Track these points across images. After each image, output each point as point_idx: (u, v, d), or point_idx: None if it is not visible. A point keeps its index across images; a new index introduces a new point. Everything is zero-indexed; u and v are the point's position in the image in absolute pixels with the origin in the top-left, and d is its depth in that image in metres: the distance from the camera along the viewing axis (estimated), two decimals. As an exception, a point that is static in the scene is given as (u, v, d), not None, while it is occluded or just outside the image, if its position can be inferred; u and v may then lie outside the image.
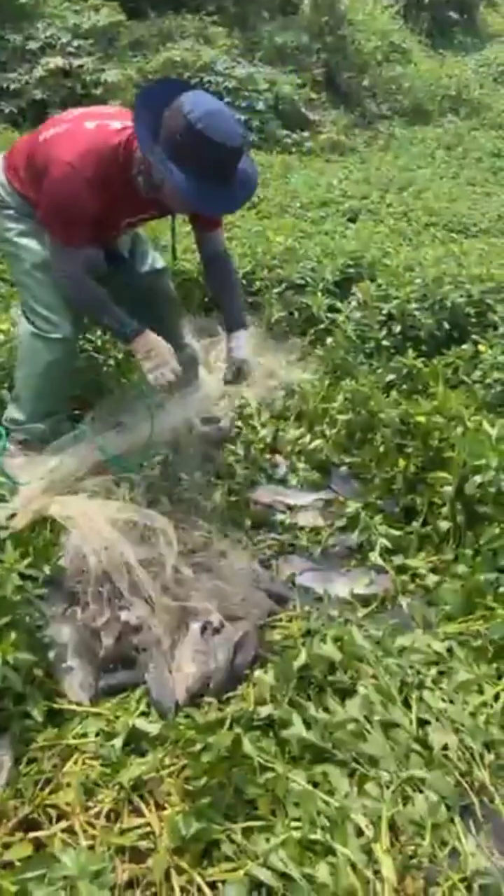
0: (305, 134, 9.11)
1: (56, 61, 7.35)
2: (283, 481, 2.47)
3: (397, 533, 2.18)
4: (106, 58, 7.91)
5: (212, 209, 2.10)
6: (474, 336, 3.09)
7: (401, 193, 6.88)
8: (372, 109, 10.59)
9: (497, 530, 1.96)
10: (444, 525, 2.11)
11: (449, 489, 2.11)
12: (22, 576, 1.67)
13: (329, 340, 2.99)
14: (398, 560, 2.11)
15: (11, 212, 2.21)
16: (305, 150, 8.63)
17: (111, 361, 2.80)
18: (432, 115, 11.33)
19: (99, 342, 2.79)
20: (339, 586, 2.00)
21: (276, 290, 3.37)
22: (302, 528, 2.26)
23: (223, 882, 1.21)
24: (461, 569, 1.99)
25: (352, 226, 5.26)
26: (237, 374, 2.29)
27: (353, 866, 1.22)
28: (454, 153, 9.67)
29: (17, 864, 1.17)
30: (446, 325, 3.16)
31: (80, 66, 7.50)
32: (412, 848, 1.27)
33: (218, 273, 2.40)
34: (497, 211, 6.36)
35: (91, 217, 2.03)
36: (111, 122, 2.04)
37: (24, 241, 2.21)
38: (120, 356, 2.82)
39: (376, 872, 1.23)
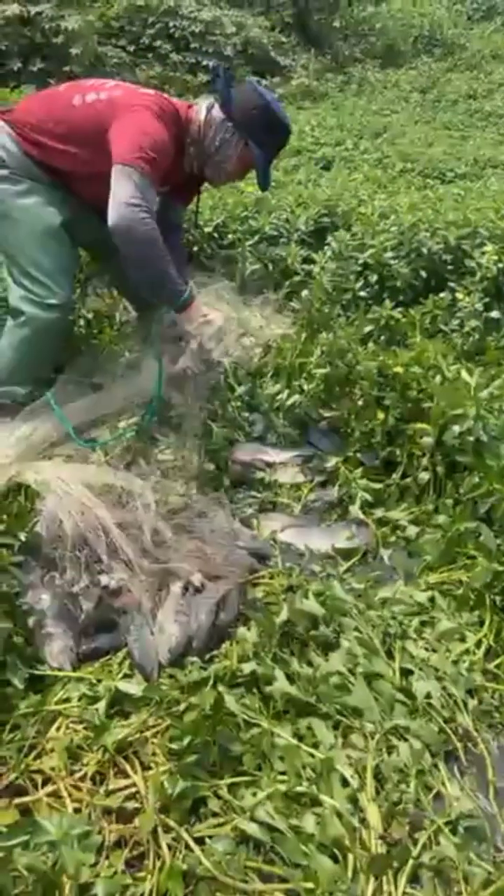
0: (276, 80, 8.85)
1: (13, 8, 7.03)
2: (261, 439, 2.44)
3: (377, 486, 2.17)
4: (65, 4, 7.56)
5: (267, 182, 2.25)
6: (452, 284, 3.05)
7: (375, 139, 6.74)
8: (344, 52, 10.29)
9: (476, 479, 1.95)
10: (424, 476, 2.10)
11: (428, 440, 2.10)
12: (-3, 544, 1.65)
13: (304, 293, 2.93)
14: (379, 513, 2.11)
15: (7, 172, 2.12)
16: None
17: (82, 322, 2.73)
18: (405, 57, 11.03)
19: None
20: (321, 541, 1.99)
21: (248, 243, 3.28)
22: (282, 485, 2.25)
23: (211, 837, 1.21)
24: (442, 519, 1.99)
25: (326, 174, 5.14)
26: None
27: (340, 816, 1.23)
28: (429, 96, 9.47)
29: (4, 830, 1.17)
30: (423, 274, 3.11)
31: (39, 14, 7.18)
32: (397, 795, 1.29)
33: (176, 241, 2.50)
34: (473, 154, 6.25)
35: (167, 159, 2.06)
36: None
37: (23, 203, 2.12)
38: (90, 316, 2.75)
39: (362, 820, 1.24)
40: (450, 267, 3.16)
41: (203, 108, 2.17)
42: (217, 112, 2.15)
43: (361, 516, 2.08)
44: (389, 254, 3.11)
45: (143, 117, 2.02)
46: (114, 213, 1.90)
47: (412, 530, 2.02)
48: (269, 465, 2.31)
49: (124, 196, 1.90)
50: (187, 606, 1.66)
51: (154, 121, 2.02)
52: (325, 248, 3.15)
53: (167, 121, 2.07)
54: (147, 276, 2.04)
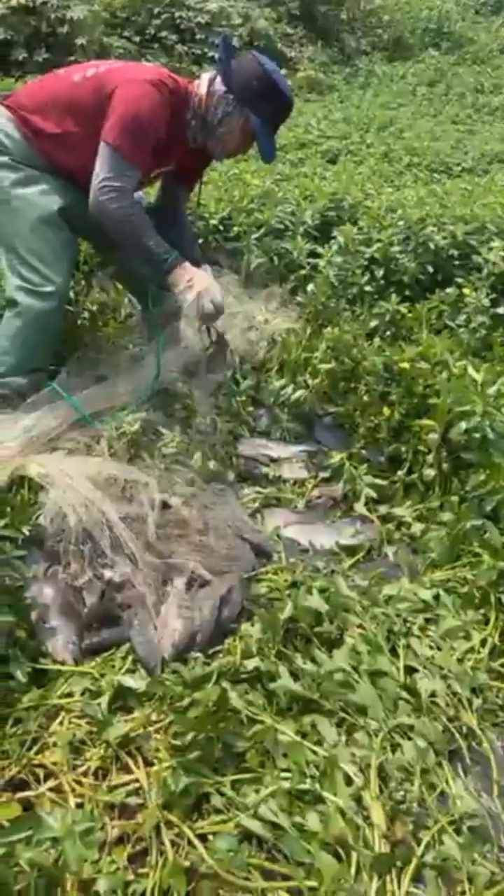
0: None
1: (19, -2, 6.98)
2: (266, 434, 2.43)
3: (382, 482, 2.16)
4: (70, -7, 7.52)
5: (271, 153, 2.19)
6: (458, 279, 3.03)
7: (382, 133, 6.69)
8: (351, 44, 10.22)
9: (482, 477, 1.94)
10: (430, 473, 2.09)
11: (434, 436, 2.08)
12: (0, 537, 1.64)
13: (310, 287, 2.91)
14: (383, 509, 2.10)
15: (6, 159, 2.10)
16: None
17: (85, 314, 2.71)
18: (413, 50, 10.96)
19: (72, 294, 2.69)
20: (325, 537, 1.98)
21: (254, 236, 3.26)
22: (286, 481, 2.24)
23: (214, 834, 1.21)
24: (447, 516, 1.98)
25: (332, 167, 5.11)
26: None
27: (343, 814, 1.22)
28: (436, 90, 9.40)
29: (6, 825, 1.17)
30: (430, 269, 3.08)
31: (45, 3, 7.13)
32: (401, 793, 1.28)
33: (181, 223, 2.51)
34: (480, 149, 6.20)
35: (155, 143, 2.05)
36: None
37: (22, 191, 2.11)
38: (94, 308, 2.73)
39: (366, 818, 1.24)
40: (457, 262, 3.13)
41: (205, 81, 2.15)
42: (218, 84, 2.12)
43: (366, 513, 2.08)
44: (396, 248, 3.08)
45: (139, 92, 2.00)
46: (90, 195, 2.01)
47: (417, 527, 2.01)
48: (274, 460, 2.30)
49: (99, 177, 2.00)
50: (191, 602, 1.65)
51: (150, 96, 2.00)
52: (332, 241, 3.13)
53: (166, 95, 2.04)
54: (130, 252, 2.15)
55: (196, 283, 2.11)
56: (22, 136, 2.10)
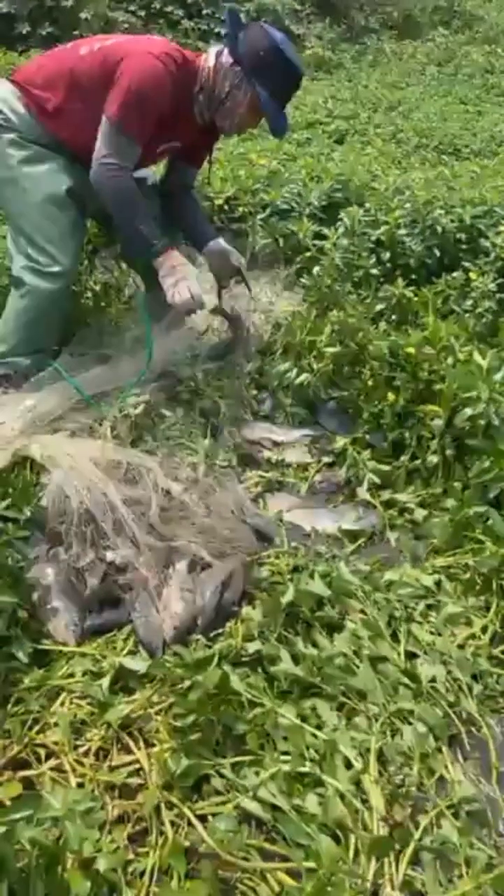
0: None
1: (22, -31, 6.86)
2: (269, 417, 2.42)
3: (385, 468, 2.15)
4: (75, -35, 7.40)
5: (281, 125, 2.15)
6: (465, 263, 2.99)
7: (390, 113, 6.60)
8: (360, 22, 10.05)
9: (486, 463, 1.93)
10: (434, 459, 2.08)
11: (438, 422, 2.07)
12: (2, 518, 1.64)
13: (316, 269, 2.88)
14: (386, 495, 2.09)
15: (14, 136, 2.08)
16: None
17: (88, 294, 2.69)
18: (422, 28, 10.78)
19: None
20: (327, 522, 1.98)
21: (259, 216, 3.22)
22: (289, 465, 2.23)
23: (213, 815, 1.22)
24: (450, 502, 1.97)
25: (339, 147, 5.05)
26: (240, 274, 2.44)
27: (342, 797, 1.23)
28: (445, 70, 9.26)
29: (8, 803, 1.17)
30: (437, 252, 3.05)
31: (48, -25, 7.01)
32: (400, 777, 1.29)
33: (191, 202, 2.50)
34: (489, 131, 6.13)
35: (158, 117, 2.03)
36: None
37: (30, 169, 2.09)
38: (97, 288, 2.71)
39: (364, 802, 1.24)
40: (464, 246, 3.10)
41: (212, 55, 2.11)
42: (226, 57, 2.09)
43: (369, 498, 2.07)
44: (403, 231, 3.05)
45: (142, 65, 1.97)
46: (91, 171, 2.02)
47: (420, 513, 2.01)
48: (277, 444, 2.29)
49: (99, 154, 2.01)
50: (193, 584, 1.65)
51: (154, 69, 1.98)
52: (338, 223, 3.09)
53: (171, 68, 2.01)
54: (120, 230, 2.19)
55: (179, 271, 2.09)
56: (29, 113, 2.08)
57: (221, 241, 2.45)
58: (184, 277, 2.09)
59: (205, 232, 2.47)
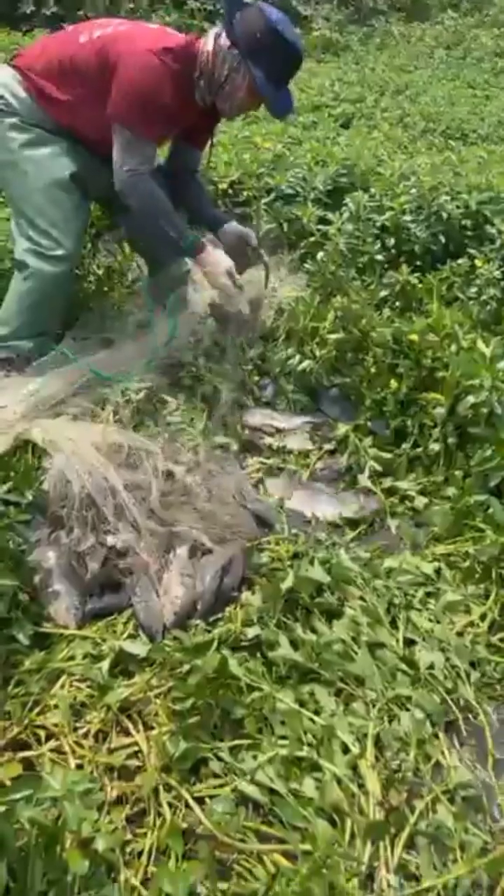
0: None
1: None
2: (271, 404, 2.41)
3: (387, 455, 2.14)
4: None
5: (281, 106, 2.14)
6: (470, 250, 2.97)
7: (397, 97, 6.53)
8: (367, 3, 9.91)
9: (488, 452, 1.93)
10: (435, 447, 2.08)
11: (441, 410, 2.07)
12: (4, 501, 1.64)
13: (320, 255, 2.86)
14: (387, 482, 2.09)
15: (16, 119, 2.07)
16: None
17: (91, 278, 2.68)
18: (431, 11, 10.64)
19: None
20: (328, 509, 1.98)
21: (264, 201, 3.20)
22: (290, 452, 2.23)
23: (211, 797, 1.23)
24: (451, 490, 1.97)
25: (345, 132, 5.00)
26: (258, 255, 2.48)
27: (339, 781, 1.24)
28: (454, 53, 9.15)
29: (7, 784, 1.19)
30: (442, 239, 3.03)
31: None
32: (397, 763, 1.30)
33: (196, 186, 2.49)
34: (497, 116, 6.06)
35: (165, 114, 2.04)
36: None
37: (32, 153, 2.08)
38: (101, 272, 2.70)
39: (361, 786, 1.25)
40: (469, 233, 3.08)
41: (211, 37, 2.09)
42: (224, 40, 2.06)
43: (370, 485, 2.07)
44: (408, 217, 3.03)
45: (142, 65, 1.96)
46: (116, 180, 2.06)
47: (420, 501, 2.01)
48: (279, 430, 2.29)
49: (120, 162, 2.03)
50: (193, 569, 1.66)
51: (154, 69, 1.97)
52: (343, 208, 3.07)
53: (170, 63, 2.00)
54: (147, 236, 2.24)
55: (221, 266, 2.20)
56: (30, 97, 2.07)
57: (235, 224, 2.47)
58: (228, 271, 2.21)
59: (216, 216, 2.49)
